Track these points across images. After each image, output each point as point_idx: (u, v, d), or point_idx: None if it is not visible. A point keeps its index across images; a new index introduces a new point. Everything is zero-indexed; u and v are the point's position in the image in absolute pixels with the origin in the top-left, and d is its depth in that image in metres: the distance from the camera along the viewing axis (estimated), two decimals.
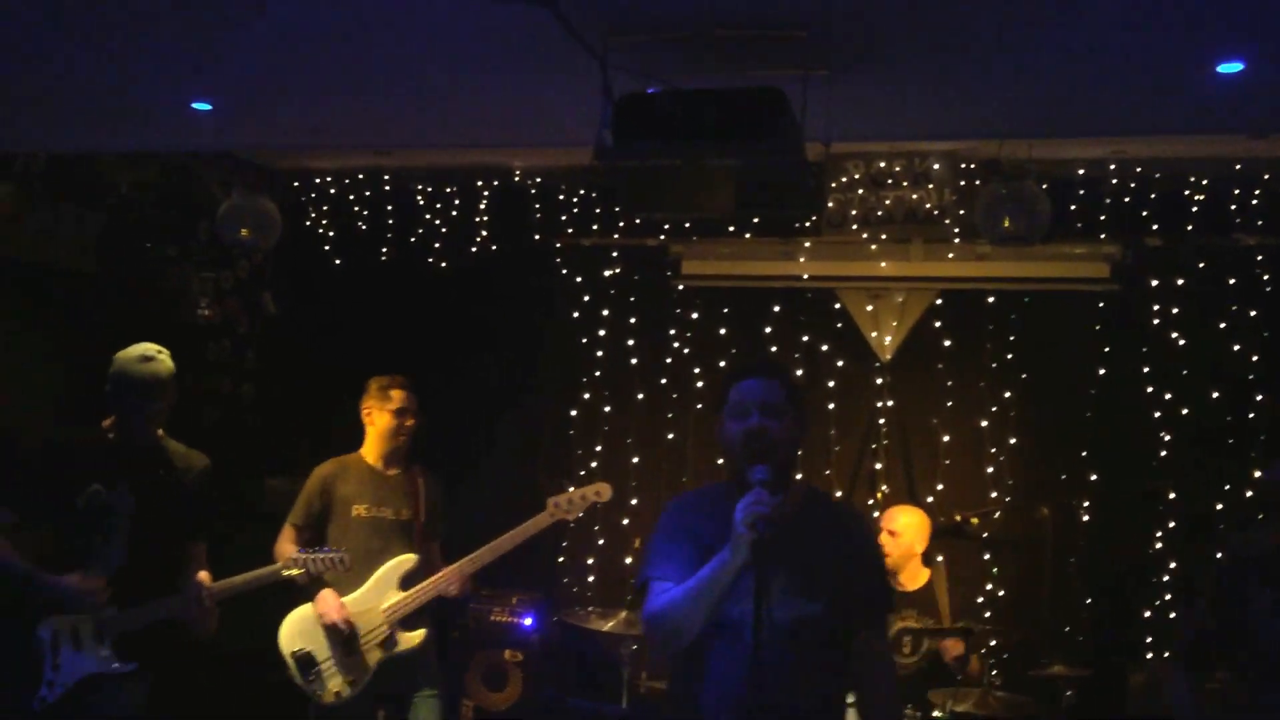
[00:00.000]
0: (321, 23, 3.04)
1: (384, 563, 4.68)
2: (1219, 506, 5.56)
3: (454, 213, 6.68)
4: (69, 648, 3.87)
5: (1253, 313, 5.64)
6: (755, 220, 6.08)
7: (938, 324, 6.09)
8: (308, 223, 6.85)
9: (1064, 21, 2.87)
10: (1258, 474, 5.50)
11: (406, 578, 4.69)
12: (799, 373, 6.17)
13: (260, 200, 5.69)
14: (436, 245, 6.71)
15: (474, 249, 6.64)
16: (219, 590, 4.15)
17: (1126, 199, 5.76)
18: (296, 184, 6.80)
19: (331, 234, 6.88)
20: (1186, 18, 2.82)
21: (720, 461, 6.30)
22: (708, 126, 2.71)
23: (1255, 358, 5.62)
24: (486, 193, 6.64)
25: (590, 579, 6.40)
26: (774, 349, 6.27)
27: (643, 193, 3.14)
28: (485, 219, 6.63)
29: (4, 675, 3.82)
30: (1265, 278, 5.64)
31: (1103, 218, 5.77)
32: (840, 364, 6.19)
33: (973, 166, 5.82)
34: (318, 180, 6.80)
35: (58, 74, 3.60)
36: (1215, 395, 5.65)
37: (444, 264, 6.71)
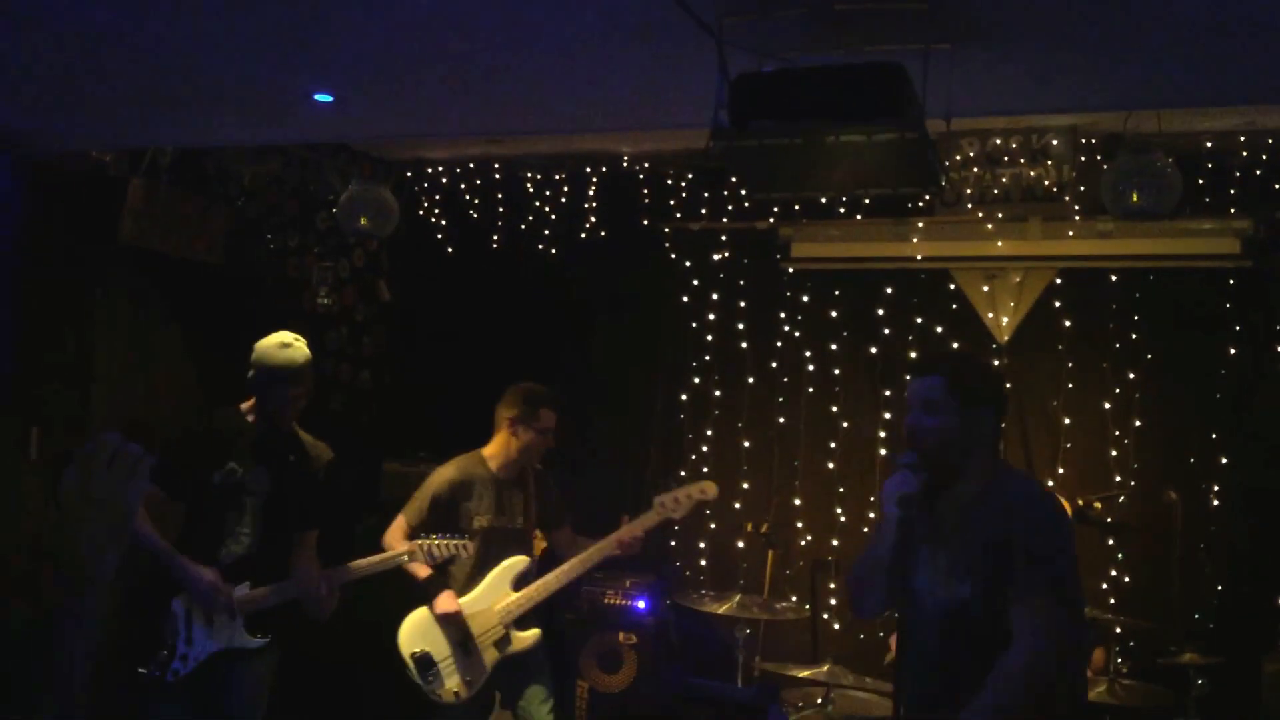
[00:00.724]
0: (435, 11, 3.07)
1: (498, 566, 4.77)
2: None
3: (563, 199, 6.74)
4: (201, 623, 4.01)
5: None
6: (867, 201, 6.00)
7: (1057, 304, 5.92)
8: (420, 211, 6.98)
9: None
10: None
11: (519, 579, 4.79)
12: (912, 355, 6.07)
13: (378, 190, 5.82)
14: (546, 232, 6.77)
15: (583, 235, 6.69)
16: (341, 574, 4.29)
17: (1258, 171, 5.54)
18: (410, 174, 6.92)
19: (444, 222, 7.00)
20: None
21: (832, 445, 6.29)
22: (827, 105, 2.68)
23: None
24: (595, 179, 6.67)
25: (703, 562, 6.41)
26: (886, 331, 6.18)
27: (758, 173, 3.12)
28: (594, 205, 6.67)
29: (139, 646, 3.97)
30: None
31: (1232, 191, 5.55)
32: (955, 346, 6.07)
33: (1094, 142, 5.64)
34: (430, 170, 6.91)
35: (183, 69, 3.71)
36: None
37: (554, 250, 6.77)
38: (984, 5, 2.81)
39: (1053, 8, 2.91)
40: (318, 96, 3.81)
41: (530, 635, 4.79)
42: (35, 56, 3.65)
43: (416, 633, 4.70)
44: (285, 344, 4.15)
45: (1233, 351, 5.60)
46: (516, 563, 4.80)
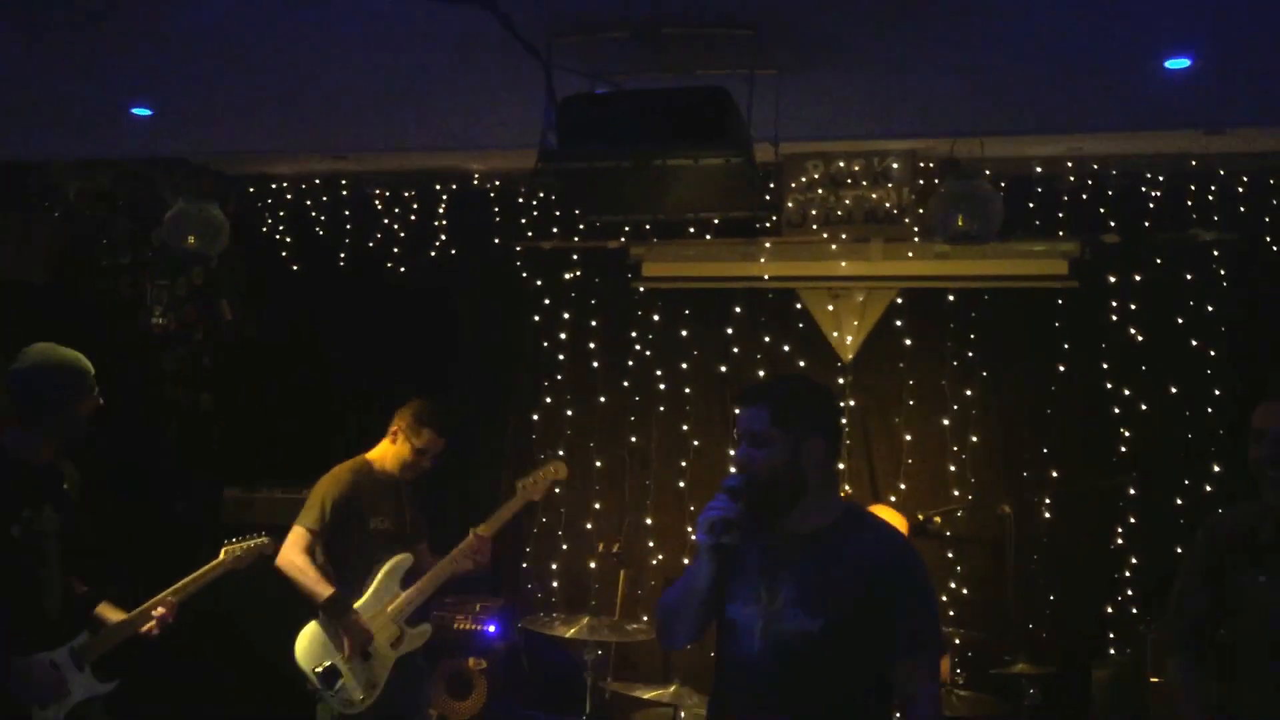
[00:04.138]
0: (261, 28, 2.98)
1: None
2: (1179, 501, 5.57)
3: (412, 217, 6.63)
4: None
5: (1210, 308, 5.66)
6: (715, 222, 6.06)
7: (898, 323, 6.08)
8: (264, 229, 6.77)
9: (1013, 19, 2.86)
10: (1217, 469, 5.53)
11: (406, 577, 4.77)
12: (760, 374, 6.15)
13: (207, 207, 5.60)
14: (395, 250, 6.65)
15: (433, 254, 6.59)
16: (177, 595, 4.11)
17: (1084, 196, 5.78)
18: (252, 189, 6.72)
19: (289, 240, 6.80)
20: (1133, 14, 2.81)
21: (684, 464, 6.32)
22: (654, 128, 2.68)
23: (1213, 353, 5.63)
24: (445, 196, 6.59)
25: (554, 584, 6.36)
26: (736, 350, 6.25)
27: (588, 195, 3.11)
28: (444, 223, 6.58)
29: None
30: (1222, 273, 5.66)
31: (1061, 215, 5.78)
32: (802, 364, 6.17)
33: (931, 165, 5.82)
34: (274, 185, 6.73)
35: None
36: (1174, 391, 5.67)
37: (403, 269, 6.65)
38: (810, 34, 2.86)
39: (878, 38, 2.98)
40: (136, 110, 3.65)
41: (424, 630, 4.81)
42: None
43: (316, 647, 4.59)
44: (63, 352, 3.72)
45: (1062, 369, 5.83)
46: (402, 561, 4.76)
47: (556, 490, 5.51)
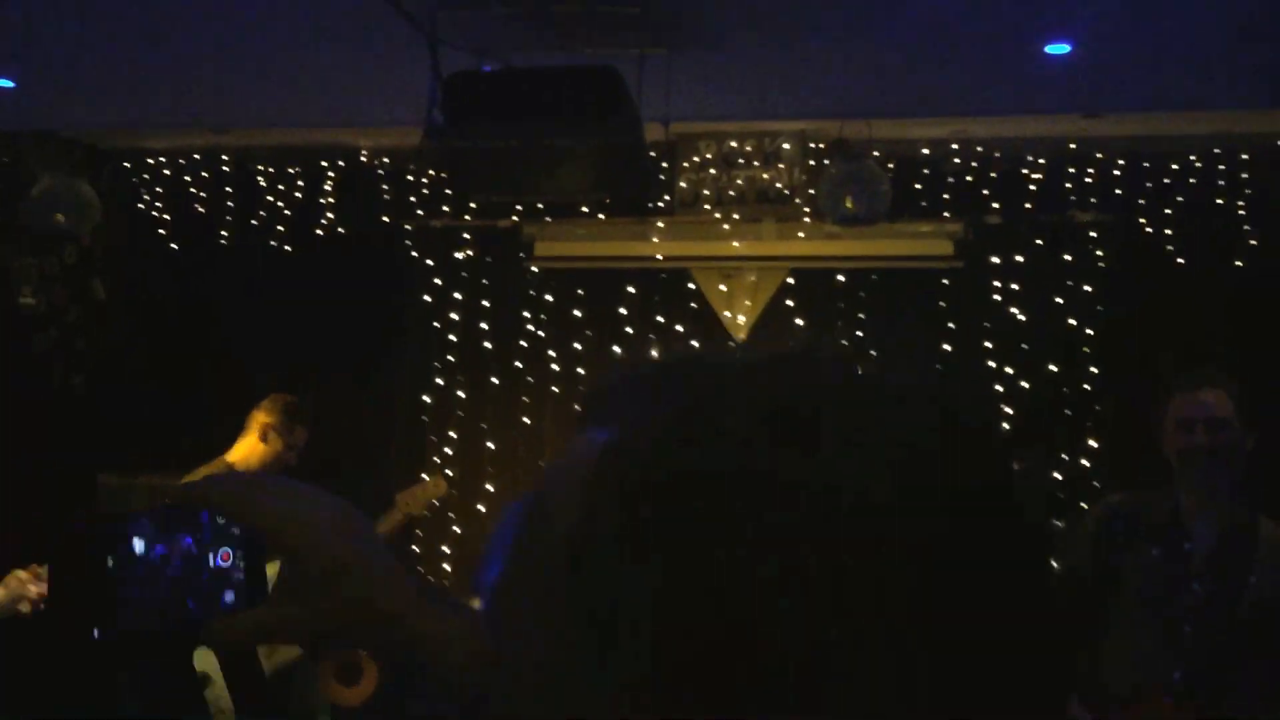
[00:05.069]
0: None
1: None
2: (1057, 476, 5.74)
3: (298, 194, 6.44)
4: None
5: (1088, 288, 5.83)
6: (608, 201, 6.03)
7: (790, 303, 6.13)
8: (141, 205, 6.52)
9: (898, 1, 2.88)
10: (1094, 444, 5.71)
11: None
12: (654, 354, 6.15)
13: (76, 183, 5.35)
14: (280, 228, 6.46)
15: (320, 231, 6.42)
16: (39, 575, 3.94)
17: (968, 178, 5.89)
18: (128, 164, 6.46)
19: (167, 216, 6.56)
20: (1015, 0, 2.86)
21: None
22: (541, 106, 2.63)
23: (1090, 332, 5.81)
24: (332, 173, 6.42)
25: (447, 567, 6.28)
26: (629, 330, 6.23)
27: (474, 175, 3.05)
28: (331, 200, 6.42)
29: None
30: (1099, 254, 5.83)
31: (945, 196, 5.88)
32: (695, 344, 6.18)
33: (821, 146, 5.87)
34: (151, 160, 6.47)
35: None
36: (1053, 369, 5.83)
37: (288, 247, 6.47)
38: (693, 12, 2.84)
39: (766, 17, 2.98)
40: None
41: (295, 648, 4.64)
42: None
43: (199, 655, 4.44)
44: None
45: (947, 347, 5.95)
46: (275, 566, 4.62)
47: (436, 504, 5.45)
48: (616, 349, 6.25)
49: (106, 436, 6.42)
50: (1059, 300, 5.85)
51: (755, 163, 5.97)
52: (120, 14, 3.02)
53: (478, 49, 2.78)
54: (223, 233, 6.51)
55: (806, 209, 5.91)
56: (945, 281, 5.96)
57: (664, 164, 5.83)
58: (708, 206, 6.01)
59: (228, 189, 6.49)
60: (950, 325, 5.95)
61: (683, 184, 6.00)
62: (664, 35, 2.89)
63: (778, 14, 2.94)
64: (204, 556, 0.90)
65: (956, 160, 5.87)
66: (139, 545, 0.87)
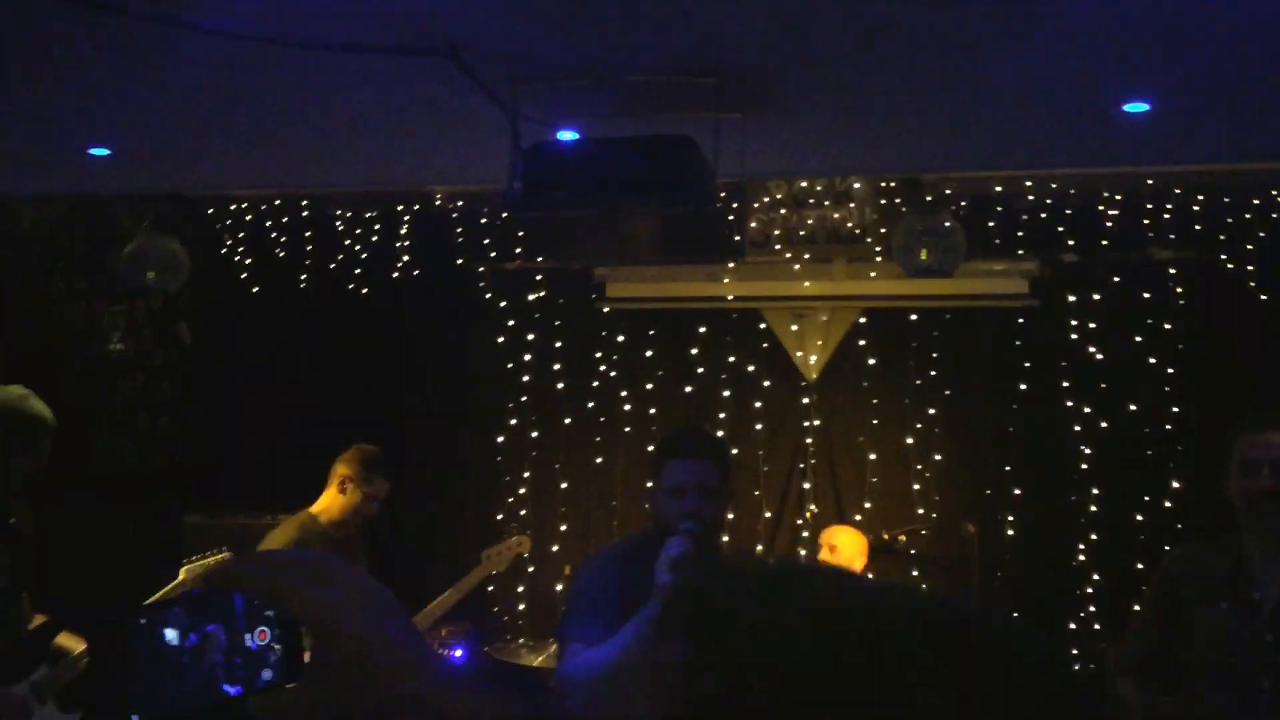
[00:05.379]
0: (221, 71, 2.95)
1: None
2: (1139, 518, 5.64)
3: (374, 238, 6.58)
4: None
5: (1167, 326, 5.74)
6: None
7: (862, 342, 6.11)
8: (223, 250, 6.70)
9: (974, 61, 2.88)
10: (1176, 485, 5.61)
11: None
12: (726, 394, 6.17)
13: (167, 241, 5.53)
14: (357, 271, 6.60)
15: (395, 274, 6.54)
16: None
17: (1043, 215, 5.83)
18: (211, 211, 6.64)
19: (249, 261, 6.73)
20: (1095, 59, 2.85)
21: (649, 485, 6.30)
22: (618, 176, 2.67)
23: (1170, 370, 5.71)
24: (407, 217, 6.54)
25: (520, 607, 6.33)
26: (700, 370, 6.25)
27: (555, 241, 3.10)
28: (407, 244, 6.53)
29: None
30: (1178, 291, 5.74)
31: (1020, 234, 5.84)
32: (767, 384, 6.19)
33: (893, 184, 5.86)
34: (233, 206, 6.65)
35: None
36: (1132, 408, 5.74)
37: (365, 290, 6.60)
38: (771, 79, 2.87)
39: (843, 81, 2.99)
40: (93, 151, 3.60)
41: None
42: None
43: None
44: (25, 394, 3.64)
45: (1023, 387, 5.88)
46: None
47: (521, 558, 5.55)
48: (688, 389, 6.27)
49: (192, 478, 6.59)
50: (1137, 339, 5.76)
51: (826, 202, 5.98)
52: (208, 84, 3.12)
53: (556, 120, 2.84)
54: (302, 277, 6.65)
55: (878, 248, 5.89)
56: (1020, 320, 5.90)
57: (734, 204, 5.85)
58: (778, 246, 6.01)
59: (306, 234, 6.64)
60: (1026, 365, 5.89)
61: (753, 224, 6.02)
62: (739, 101, 2.92)
63: (854, 78, 2.96)
64: (239, 638, 0.93)
65: (1031, 198, 5.82)
66: (173, 636, 0.91)
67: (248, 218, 6.68)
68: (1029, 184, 5.80)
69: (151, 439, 6.63)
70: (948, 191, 5.60)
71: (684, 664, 0.65)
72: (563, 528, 6.30)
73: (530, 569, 6.30)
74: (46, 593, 4.05)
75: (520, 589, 6.33)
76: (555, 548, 6.27)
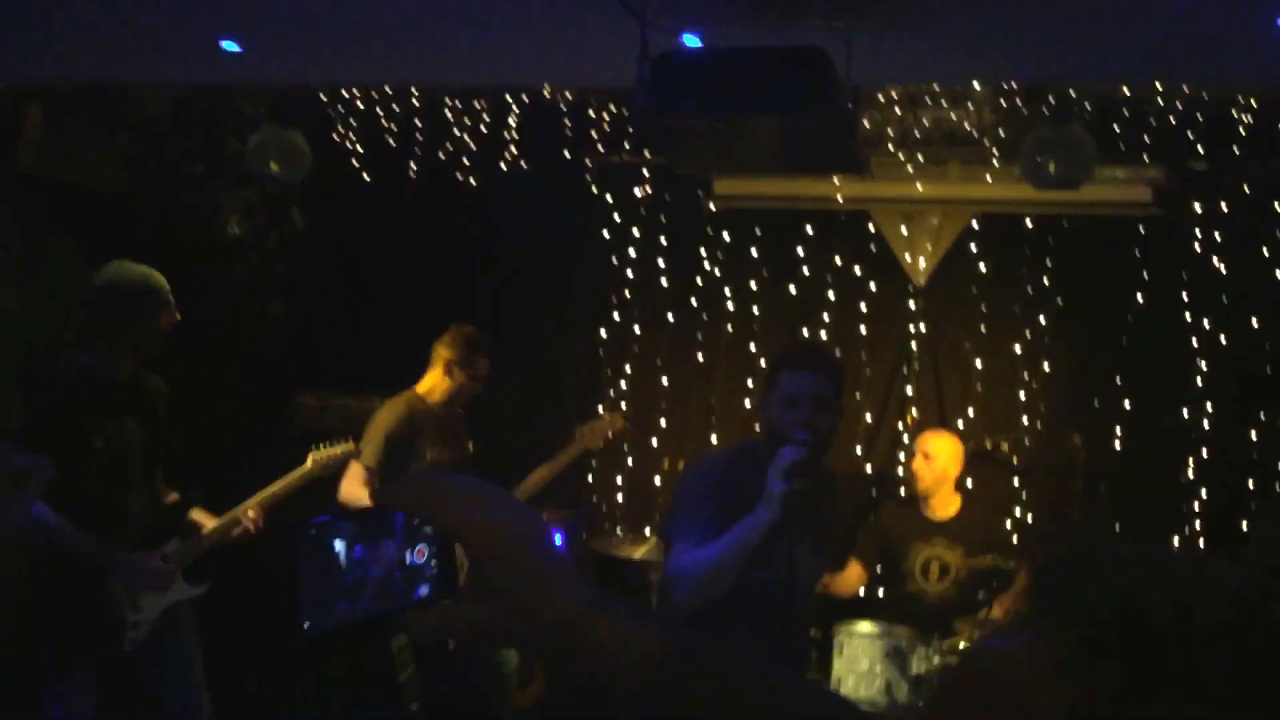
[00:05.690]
0: None
1: None
2: (1253, 435, 5.52)
3: (483, 129, 6.57)
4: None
5: None
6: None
7: (973, 248, 5.99)
8: (335, 137, 6.76)
9: None
10: None
11: None
12: (830, 295, 6.12)
13: (289, 134, 5.60)
14: (466, 162, 6.62)
15: (504, 166, 6.55)
16: (265, 501, 4.21)
17: (1172, 121, 5.59)
18: (324, 98, 6.69)
19: (360, 149, 6.79)
20: None
21: (750, 383, 6.33)
22: (748, 88, 2.63)
23: None
24: (517, 109, 6.51)
25: (620, 498, 6.46)
26: (806, 271, 6.20)
27: (681, 151, 3.07)
28: (515, 136, 6.52)
29: (87, 627, 3.79)
30: None
31: (1147, 140, 5.61)
32: (873, 287, 6.13)
33: (1014, 86, 5.65)
34: (345, 94, 6.69)
35: (87, 8, 3.53)
36: (1255, 324, 5.56)
37: (473, 181, 6.63)
38: None
39: None
40: (225, 45, 3.65)
41: None
42: None
43: None
44: (137, 269, 3.80)
45: (1140, 299, 5.73)
46: None
47: (610, 437, 5.55)
48: (792, 289, 6.23)
49: (303, 359, 6.78)
50: (1264, 252, 5.56)
51: (943, 103, 5.79)
52: None
53: (685, 26, 2.79)
54: (411, 165, 6.70)
55: (995, 151, 5.72)
56: (1142, 230, 5.72)
57: (848, 104, 5.71)
58: (891, 147, 5.87)
59: (417, 123, 6.66)
60: (1145, 275, 5.72)
61: (866, 124, 5.87)
62: (867, 7, 2.84)
63: None
64: (400, 554, 0.98)
65: (1160, 102, 5.57)
66: (340, 548, 0.96)
67: (359, 105, 6.71)
68: (1158, 87, 5.54)
69: (263, 320, 6.83)
70: (1071, 93, 5.39)
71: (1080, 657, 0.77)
72: (662, 423, 6.38)
73: (629, 461, 6.40)
74: (176, 470, 4.25)
75: (619, 480, 6.45)
76: (654, 442, 6.35)
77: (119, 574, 3.79)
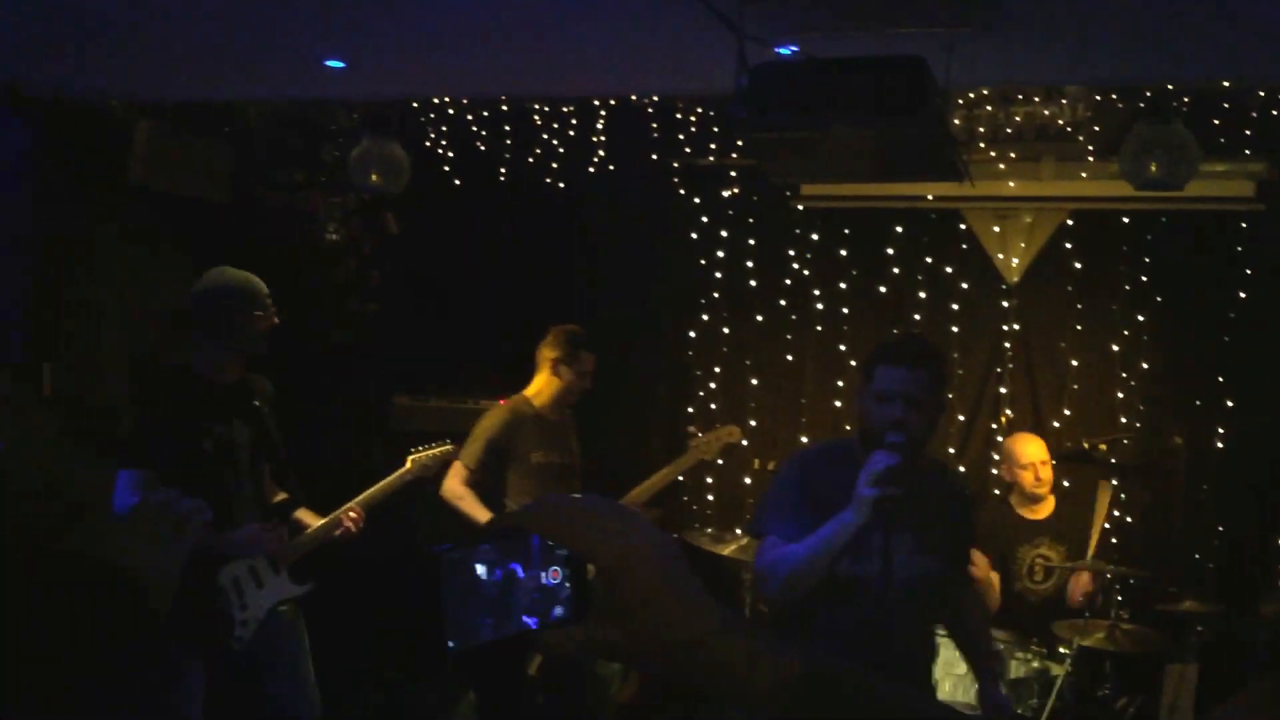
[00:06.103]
0: None
1: None
2: None
3: (571, 133, 6.64)
4: (252, 586, 4.02)
5: None
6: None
7: (1068, 245, 5.91)
8: (427, 143, 6.89)
9: None
10: None
11: None
12: (921, 295, 6.09)
13: (389, 145, 5.75)
14: (554, 166, 6.70)
15: (591, 169, 6.62)
16: (365, 503, 4.32)
17: (1275, 113, 5.45)
18: (416, 105, 6.82)
19: (451, 154, 6.92)
20: None
21: (839, 384, 6.32)
22: (845, 98, 2.65)
23: None
24: (604, 112, 6.57)
25: (709, 497, 6.50)
26: (896, 271, 6.17)
27: (778, 160, 3.10)
28: (602, 139, 6.58)
29: (197, 624, 3.93)
30: None
31: (1248, 133, 5.47)
32: (965, 286, 6.08)
33: None
34: (436, 101, 6.81)
35: (197, 28, 3.66)
36: None
37: (562, 185, 6.71)
38: None
39: None
40: (330, 63, 3.76)
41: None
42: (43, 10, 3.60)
43: None
44: (237, 274, 3.95)
45: (1242, 295, 5.60)
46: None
47: (728, 447, 5.59)
48: (882, 289, 6.21)
49: (398, 361, 6.93)
50: None
51: (1035, 98, 5.71)
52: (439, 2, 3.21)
53: (782, 35, 2.81)
54: (501, 170, 6.80)
55: (1090, 146, 5.63)
56: (1244, 225, 5.58)
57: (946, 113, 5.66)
58: (983, 144, 5.81)
59: (506, 128, 6.76)
60: (1247, 272, 5.59)
61: (956, 121, 5.82)
62: (966, 13, 2.83)
63: None
64: (536, 575, 1.02)
65: (1261, 93, 5.43)
66: (482, 570, 1.00)
67: (450, 112, 6.83)
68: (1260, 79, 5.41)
69: (361, 323, 6.99)
70: (1169, 86, 5.28)
71: None
72: (752, 423, 6.40)
73: (719, 461, 6.43)
74: (284, 470, 4.38)
75: (709, 480, 6.48)
76: (744, 442, 6.35)
77: (234, 544, 3.91)
